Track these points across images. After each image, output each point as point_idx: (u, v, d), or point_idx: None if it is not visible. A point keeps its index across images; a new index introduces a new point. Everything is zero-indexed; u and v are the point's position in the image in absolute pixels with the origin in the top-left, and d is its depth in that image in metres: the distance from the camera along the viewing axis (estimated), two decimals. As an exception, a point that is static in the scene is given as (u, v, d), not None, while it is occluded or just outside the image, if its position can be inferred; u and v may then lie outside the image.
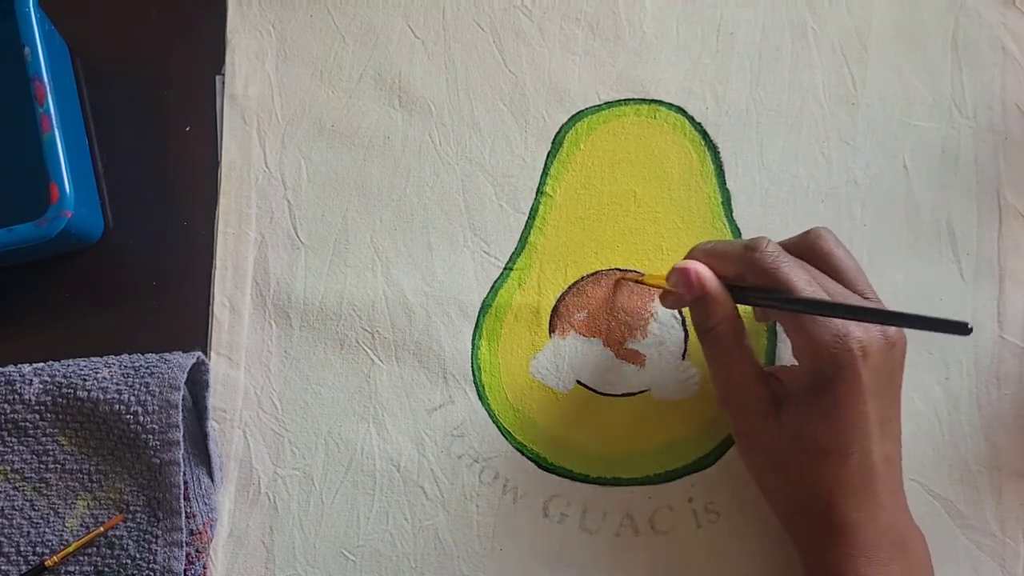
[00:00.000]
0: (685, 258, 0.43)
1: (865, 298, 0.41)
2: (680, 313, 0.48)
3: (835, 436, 0.39)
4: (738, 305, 0.41)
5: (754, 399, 0.41)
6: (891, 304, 0.48)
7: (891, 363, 0.39)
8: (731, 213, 0.49)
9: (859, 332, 0.38)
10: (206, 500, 0.47)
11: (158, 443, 0.45)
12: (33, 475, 0.46)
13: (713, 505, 0.47)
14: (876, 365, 0.38)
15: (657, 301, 0.48)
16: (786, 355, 0.47)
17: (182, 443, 0.45)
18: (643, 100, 0.50)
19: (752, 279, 0.41)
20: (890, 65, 0.50)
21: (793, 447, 0.40)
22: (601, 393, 0.48)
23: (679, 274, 0.41)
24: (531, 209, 0.49)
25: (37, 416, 0.46)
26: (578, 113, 0.50)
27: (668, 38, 0.50)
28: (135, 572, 0.45)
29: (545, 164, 0.50)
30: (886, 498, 0.39)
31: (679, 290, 0.41)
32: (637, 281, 0.48)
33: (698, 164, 0.49)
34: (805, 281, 0.39)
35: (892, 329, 0.39)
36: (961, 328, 0.33)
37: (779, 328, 0.48)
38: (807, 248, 0.41)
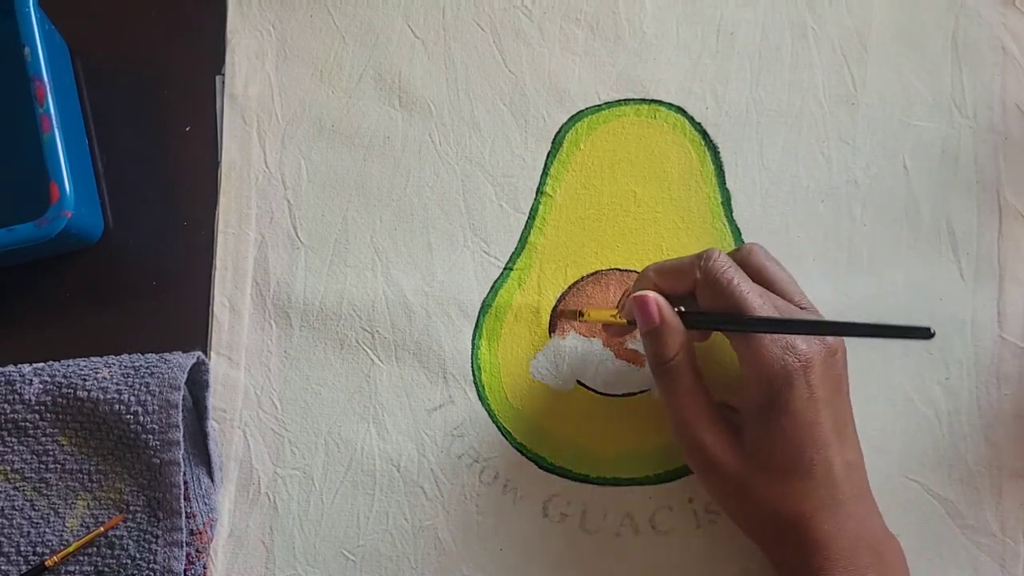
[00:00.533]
0: (636, 283, 0.44)
1: (802, 308, 0.41)
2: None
3: (794, 451, 0.39)
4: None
5: (713, 430, 0.41)
6: (892, 304, 0.48)
7: (835, 370, 0.40)
8: (731, 213, 0.49)
9: (801, 344, 0.39)
10: (206, 500, 0.47)
11: (158, 443, 0.45)
12: (33, 475, 0.46)
13: (713, 505, 0.47)
14: (822, 374, 0.39)
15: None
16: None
17: (182, 443, 0.45)
18: (643, 100, 0.50)
19: (704, 291, 0.41)
20: (890, 65, 0.50)
21: (755, 469, 0.40)
22: (601, 393, 0.48)
23: (638, 303, 0.41)
24: (531, 209, 0.49)
25: (37, 416, 0.46)
26: (578, 113, 0.50)
27: (668, 38, 0.50)
28: (135, 572, 0.45)
29: (545, 164, 0.50)
30: (854, 506, 0.39)
31: (636, 319, 0.41)
32: (579, 319, 0.47)
33: (698, 164, 0.49)
34: (757, 294, 0.40)
35: (830, 337, 0.39)
36: (924, 333, 0.33)
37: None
38: (741, 263, 0.42)
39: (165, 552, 0.45)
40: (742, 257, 0.42)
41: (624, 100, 0.50)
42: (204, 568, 0.47)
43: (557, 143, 0.50)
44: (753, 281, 0.41)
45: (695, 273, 0.41)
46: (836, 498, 0.39)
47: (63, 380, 0.45)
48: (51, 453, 0.46)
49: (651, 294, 0.41)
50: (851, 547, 0.38)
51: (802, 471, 0.39)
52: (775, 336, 0.39)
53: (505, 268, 0.49)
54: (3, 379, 0.46)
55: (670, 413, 0.42)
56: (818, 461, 0.39)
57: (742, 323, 0.39)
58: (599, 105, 0.50)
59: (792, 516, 0.39)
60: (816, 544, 0.38)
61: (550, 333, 0.48)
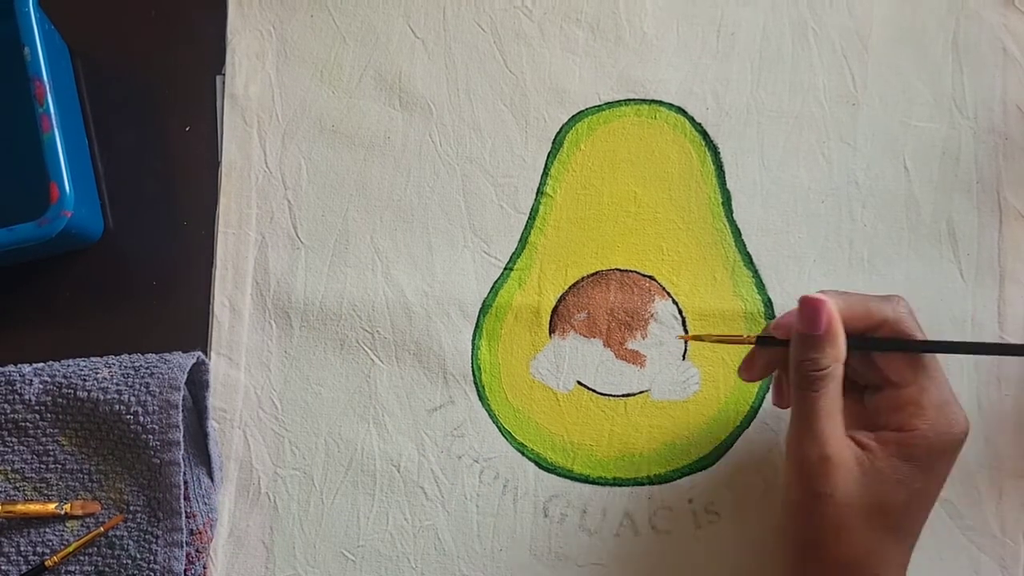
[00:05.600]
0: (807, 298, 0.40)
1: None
2: (681, 313, 0.48)
3: (910, 516, 0.38)
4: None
5: (843, 456, 0.38)
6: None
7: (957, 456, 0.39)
8: (731, 213, 0.49)
9: (964, 425, 0.38)
10: (206, 500, 0.47)
11: (158, 443, 0.45)
12: (33, 475, 0.46)
13: (713, 505, 0.47)
14: (957, 455, 0.39)
15: (657, 301, 0.48)
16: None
17: (182, 443, 0.45)
18: (643, 100, 0.50)
19: (885, 333, 0.39)
20: (891, 66, 0.50)
21: (864, 516, 0.38)
22: (601, 393, 0.48)
23: (813, 304, 0.38)
24: (531, 209, 0.49)
25: (37, 416, 0.46)
26: (578, 113, 0.50)
27: (669, 39, 0.50)
28: (135, 572, 0.45)
29: (545, 164, 0.50)
30: None
31: (801, 319, 0.38)
32: (699, 338, 0.43)
33: (698, 164, 0.49)
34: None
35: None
36: None
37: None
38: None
39: (165, 552, 0.45)
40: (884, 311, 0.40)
41: (624, 100, 0.50)
42: (204, 568, 0.47)
43: (557, 143, 0.50)
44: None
45: (882, 313, 0.39)
46: (905, 567, 0.39)
47: (63, 380, 0.45)
48: (51, 453, 0.46)
49: (825, 299, 0.38)
50: None
51: (902, 534, 0.38)
52: (952, 398, 0.38)
53: (505, 268, 0.49)
54: (3, 379, 0.46)
55: (800, 425, 0.39)
56: (914, 532, 0.39)
57: (917, 345, 0.38)
58: (599, 105, 0.50)
59: (870, 570, 0.38)
60: None
61: (550, 333, 0.48)
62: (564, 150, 0.50)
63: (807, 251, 0.48)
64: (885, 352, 0.39)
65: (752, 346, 0.42)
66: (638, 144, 0.50)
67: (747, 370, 0.42)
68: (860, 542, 0.38)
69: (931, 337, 0.39)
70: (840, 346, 0.38)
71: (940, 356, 0.39)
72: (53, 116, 0.45)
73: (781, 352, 0.40)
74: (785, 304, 0.48)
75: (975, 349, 0.39)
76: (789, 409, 0.41)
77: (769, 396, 0.47)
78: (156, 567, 0.45)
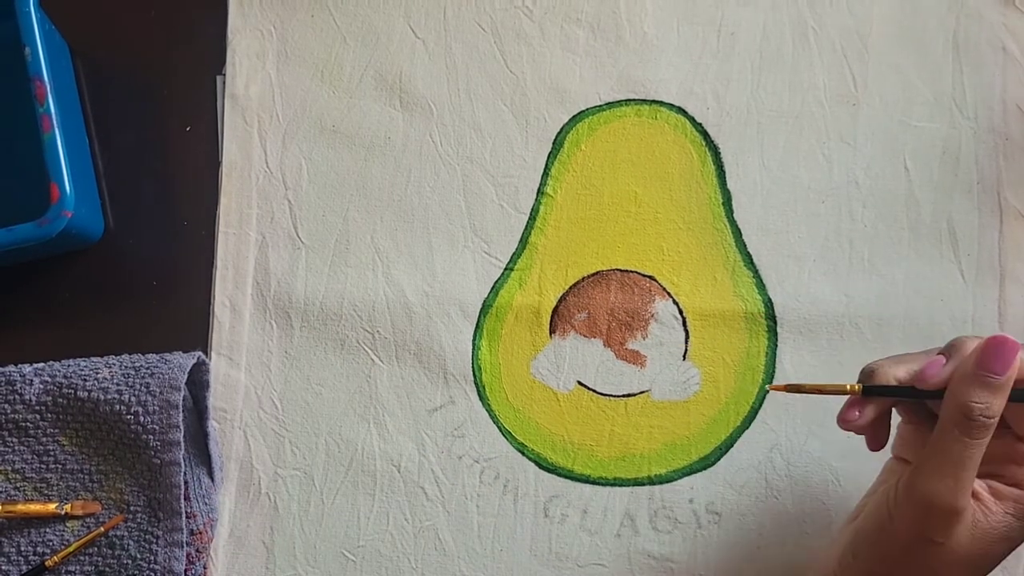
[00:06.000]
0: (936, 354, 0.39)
1: None
2: (681, 314, 0.48)
3: (999, 563, 0.37)
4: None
5: (967, 507, 0.36)
6: (892, 305, 0.48)
7: None
8: (732, 213, 0.49)
9: None
10: (206, 500, 0.47)
11: (158, 443, 0.45)
12: (34, 475, 0.46)
13: (713, 505, 0.47)
14: None
15: (657, 301, 0.48)
16: (784, 358, 0.47)
17: (182, 443, 0.45)
18: (644, 101, 0.50)
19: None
20: (891, 65, 0.50)
21: (964, 568, 0.37)
22: (601, 394, 0.48)
23: (1004, 345, 0.35)
24: (532, 209, 0.49)
25: (38, 416, 0.46)
26: (579, 113, 0.50)
27: (669, 39, 0.50)
28: (135, 572, 0.45)
29: (546, 164, 0.50)
30: None
31: (985, 359, 0.35)
32: (798, 389, 0.40)
33: (699, 165, 0.49)
34: None
35: None
36: None
37: (779, 348, 0.48)
38: None
39: (165, 552, 0.45)
40: None
41: (625, 100, 0.50)
42: (204, 568, 0.47)
43: (558, 143, 0.50)
44: None
45: None
46: None
47: (63, 380, 0.45)
48: (52, 453, 0.46)
49: (1019, 344, 0.35)
50: None
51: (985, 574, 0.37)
52: None
53: (506, 268, 0.49)
54: (3, 379, 0.46)
55: (942, 469, 0.36)
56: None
57: None
58: (600, 105, 0.50)
59: None
60: None
61: (551, 333, 0.48)
62: (564, 150, 0.50)
63: (807, 251, 0.48)
64: None
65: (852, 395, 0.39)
66: (638, 144, 0.50)
67: (849, 421, 0.39)
68: None
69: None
70: (1008, 395, 0.35)
71: None
72: (53, 116, 0.45)
73: (890, 403, 0.39)
74: (785, 304, 0.48)
75: None
76: (868, 448, 0.40)
77: (769, 396, 0.47)
78: (156, 567, 0.45)
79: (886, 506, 0.38)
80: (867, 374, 0.38)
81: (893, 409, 0.40)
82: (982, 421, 0.35)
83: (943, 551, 0.36)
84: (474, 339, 0.48)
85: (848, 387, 0.38)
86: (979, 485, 0.37)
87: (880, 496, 0.39)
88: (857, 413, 0.38)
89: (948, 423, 0.36)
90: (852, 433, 0.39)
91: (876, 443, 0.40)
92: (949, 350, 0.38)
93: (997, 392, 0.35)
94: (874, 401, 0.38)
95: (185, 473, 0.46)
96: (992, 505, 0.36)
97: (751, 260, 0.48)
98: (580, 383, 0.48)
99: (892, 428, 0.40)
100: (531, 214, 0.49)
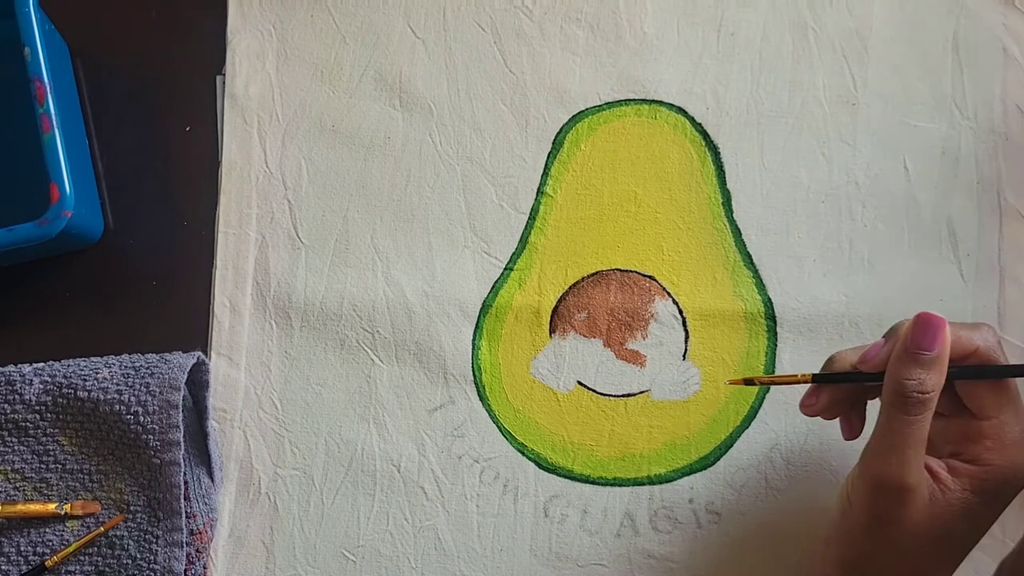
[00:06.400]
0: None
1: None
2: (681, 314, 0.48)
3: (968, 545, 0.38)
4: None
5: (920, 484, 0.37)
6: (892, 305, 0.48)
7: None
8: (731, 213, 0.49)
9: None
10: (206, 500, 0.47)
11: (158, 443, 0.45)
12: (34, 475, 0.46)
13: (713, 505, 0.47)
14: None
15: (657, 301, 0.48)
16: (784, 358, 0.47)
17: (182, 443, 0.45)
18: (644, 100, 0.50)
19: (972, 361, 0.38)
20: (891, 66, 0.50)
21: (929, 544, 0.37)
22: (601, 394, 0.48)
23: (932, 323, 0.37)
24: (531, 209, 0.49)
25: (37, 416, 0.46)
26: (579, 113, 0.50)
27: (669, 38, 0.50)
28: (135, 572, 0.45)
29: (545, 164, 0.50)
30: None
31: (915, 338, 0.37)
32: (750, 382, 0.42)
33: (699, 164, 0.49)
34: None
35: None
36: None
37: (779, 348, 0.48)
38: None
39: (165, 552, 0.45)
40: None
41: (625, 100, 0.50)
42: (204, 568, 0.47)
43: (558, 143, 0.50)
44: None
45: (972, 343, 0.38)
46: None
47: (63, 380, 0.45)
48: (51, 453, 0.46)
49: (945, 321, 0.37)
50: None
51: (956, 563, 0.38)
52: None
53: (505, 268, 0.49)
54: (3, 379, 0.46)
55: (886, 448, 0.37)
56: (965, 556, 0.38)
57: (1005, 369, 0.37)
58: (600, 105, 0.50)
59: None
60: None
61: (551, 333, 0.48)
62: (564, 150, 0.50)
63: (807, 251, 0.48)
64: (972, 380, 0.38)
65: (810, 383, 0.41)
66: (638, 144, 0.50)
67: (808, 406, 0.41)
68: (915, 570, 0.38)
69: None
70: (944, 371, 0.36)
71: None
72: (53, 116, 0.45)
73: (849, 389, 0.40)
74: (785, 304, 0.48)
75: None
76: (843, 438, 0.42)
77: (769, 396, 0.47)
78: (156, 567, 0.45)
79: (845, 492, 0.39)
80: (827, 362, 0.40)
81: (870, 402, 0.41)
82: (917, 397, 0.36)
83: (902, 530, 0.37)
84: (474, 339, 0.48)
85: (799, 376, 0.40)
86: (937, 464, 0.38)
87: (842, 484, 0.40)
88: (814, 399, 0.40)
89: (887, 403, 0.37)
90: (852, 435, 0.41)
91: (850, 432, 0.42)
92: (889, 334, 0.39)
93: (929, 367, 0.36)
94: (828, 388, 0.40)
95: (185, 473, 0.46)
96: (949, 483, 0.37)
97: (751, 260, 0.48)
98: (580, 383, 0.48)
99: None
100: (531, 214, 0.49)
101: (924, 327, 0.36)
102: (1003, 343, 0.39)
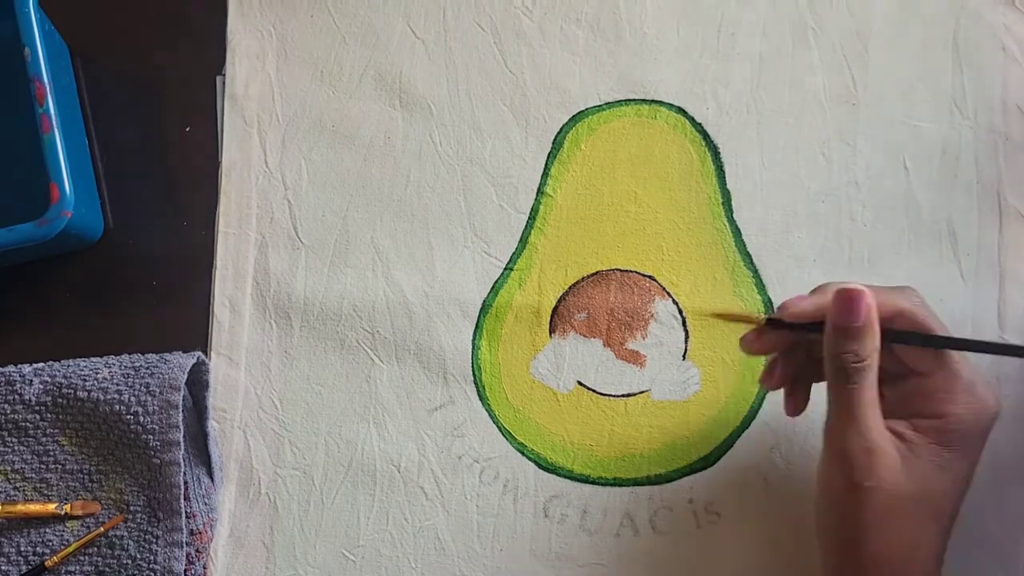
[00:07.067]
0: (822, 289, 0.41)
1: None
2: (680, 313, 0.48)
3: (953, 499, 0.38)
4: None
5: (886, 446, 0.38)
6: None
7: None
8: (731, 213, 0.49)
9: (995, 403, 0.38)
10: (206, 500, 0.47)
11: (158, 443, 0.45)
12: (33, 475, 0.46)
13: (713, 505, 0.47)
14: (987, 436, 0.39)
15: (657, 301, 0.48)
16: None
17: (182, 443, 0.45)
18: (644, 100, 0.50)
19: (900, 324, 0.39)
20: (891, 65, 0.50)
21: (912, 504, 0.38)
22: (601, 394, 0.48)
23: (850, 296, 0.38)
24: (531, 209, 0.49)
25: (37, 416, 0.46)
26: (579, 113, 0.50)
27: (669, 38, 0.50)
28: (135, 572, 0.45)
29: (545, 164, 0.50)
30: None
31: (837, 313, 0.38)
32: (730, 318, 0.43)
33: (698, 164, 0.49)
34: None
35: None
36: None
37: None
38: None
39: (165, 552, 0.45)
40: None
41: (625, 100, 0.50)
42: (204, 568, 0.47)
43: (558, 143, 0.50)
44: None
45: (897, 305, 0.39)
46: (944, 550, 0.39)
47: (63, 380, 0.45)
48: (51, 453, 0.46)
49: (866, 290, 0.38)
50: None
51: (946, 518, 0.38)
52: (982, 380, 0.38)
53: (505, 268, 0.49)
54: (3, 379, 0.46)
55: (841, 418, 0.38)
56: (955, 516, 0.39)
57: (946, 341, 0.38)
58: (600, 105, 0.50)
59: (925, 554, 0.38)
60: None
61: (550, 333, 0.48)
62: (564, 150, 0.50)
63: (807, 251, 0.48)
64: (913, 344, 0.39)
65: (758, 325, 0.42)
66: (638, 144, 0.50)
67: (748, 341, 0.42)
68: (906, 533, 0.38)
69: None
70: (877, 336, 0.38)
71: None
72: (53, 116, 0.45)
73: (787, 337, 0.41)
74: (785, 304, 0.48)
75: (1000, 349, 0.39)
76: (785, 413, 0.42)
77: (769, 397, 0.47)
78: (156, 567, 0.45)
79: (821, 468, 0.40)
80: (780, 307, 0.41)
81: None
82: (855, 367, 0.37)
83: (883, 495, 0.38)
84: (474, 339, 0.48)
85: (755, 316, 0.41)
86: (902, 426, 0.39)
87: (816, 474, 0.41)
88: (754, 337, 0.42)
89: (831, 380, 0.39)
90: None
91: (793, 409, 0.43)
92: (816, 290, 0.41)
93: (859, 337, 0.37)
94: (772, 339, 0.41)
95: (185, 473, 0.46)
96: (916, 439, 0.38)
97: (751, 260, 0.48)
98: (580, 383, 0.48)
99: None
100: (531, 214, 0.49)
101: (845, 301, 0.38)
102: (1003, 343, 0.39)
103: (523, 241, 0.49)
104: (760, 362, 0.48)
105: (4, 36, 0.47)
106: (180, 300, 0.50)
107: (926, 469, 0.38)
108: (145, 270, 0.50)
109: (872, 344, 0.38)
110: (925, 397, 0.39)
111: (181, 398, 0.45)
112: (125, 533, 0.45)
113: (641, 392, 0.48)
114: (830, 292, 0.39)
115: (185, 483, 0.46)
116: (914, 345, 0.39)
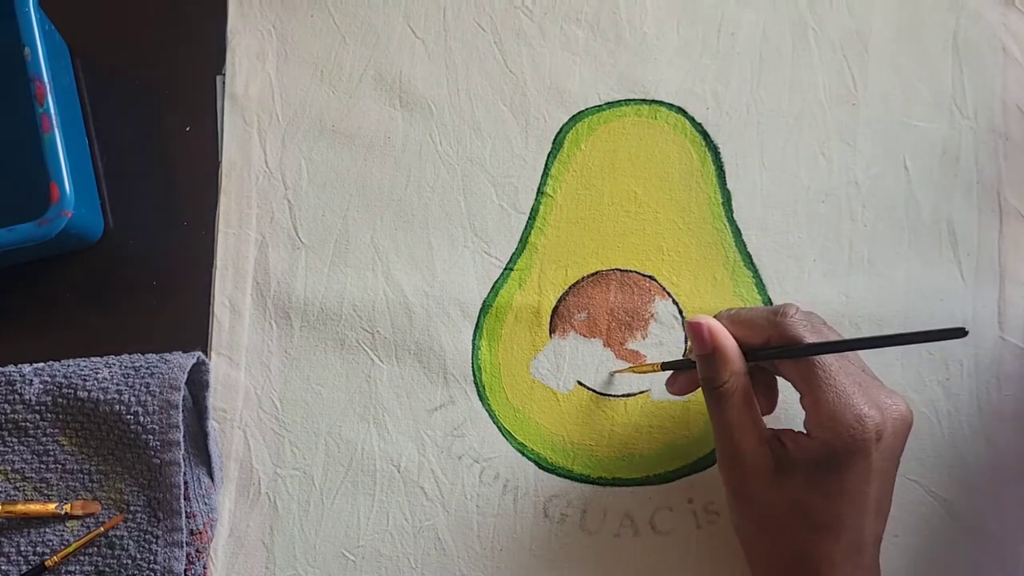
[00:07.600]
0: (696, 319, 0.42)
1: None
2: (681, 314, 0.48)
3: (835, 514, 0.38)
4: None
5: (756, 461, 0.40)
6: (892, 304, 0.48)
7: (899, 444, 0.39)
8: (731, 213, 0.49)
9: (876, 415, 0.38)
10: (206, 500, 0.47)
11: (158, 443, 0.45)
12: (34, 475, 0.46)
13: (713, 505, 0.47)
14: (887, 447, 0.38)
15: (657, 301, 0.48)
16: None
17: (182, 443, 0.45)
18: (644, 100, 0.50)
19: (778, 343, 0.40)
20: (891, 65, 0.50)
21: (788, 516, 0.39)
22: (601, 394, 0.48)
23: (692, 328, 0.40)
24: (531, 209, 0.49)
25: (37, 416, 0.46)
26: (579, 113, 0.50)
27: (669, 38, 0.50)
28: (135, 572, 0.45)
29: (545, 164, 0.50)
30: (864, 572, 0.39)
31: (692, 343, 0.41)
32: (630, 371, 0.48)
33: (698, 164, 0.49)
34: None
35: (905, 407, 0.39)
36: (959, 333, 0.33)
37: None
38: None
39: (165, 552, 0.45)
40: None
41: (625, 100, 0.50)
42: (204, 568, 0.47)
43: (558, 143, 0.50)
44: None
45: (769, 329, 0.40)
46: (855, 563, 0.39)
47: (63, 380, 0.45)
48: (51, 453, 0.46)
49: (704, 320, 0.40)
50: None
51: (834, 534, 0.38)
52: (849, 399, 0.38)
53: (505, 268, 0.49)
54: (3, 379, 0.46)
55: (718, 438, 0.41)
56: (851, 527, 0.38)
57: (797, 350, 0.38)
58: (600, 105, 0.50)
59: (810, 571, 0.39)
60: None
61: (550, 333, 0.48)
62: (564, 150, 0.50)
63: (807, 251, 0.48)
64: (772, 360, 0.40)
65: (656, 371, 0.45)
66: (638, 144, 0.50)
67: (671, 387, 0.45)
68: (789, 541, 0.39)
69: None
70: (734, 360, 0.40)
71: (872, 353, 0.41)
72: (53, 116, 0.45)
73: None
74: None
75: (853, 345, 0.38)
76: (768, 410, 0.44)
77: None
78: (156, 567, 0.45)
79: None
80: (716, 316, 0.42)
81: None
82: (717, 392, 0.40)
83: (757, 503, 0.40)
84: (474, 339, 0.48)
85: (654, 365, 0.45)
86: (790, 437, 0.39)
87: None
88: (672, 382, 0.45)
89: (705, 399, 0.41)
90: None
91: (765, 407, 0.44)
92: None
93: (713, 364, 0.40)
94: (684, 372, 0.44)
95: (185, 473, 0.46)
96: (793, 452, 0.39)
97: (751, 260, 0.48)
98: (580, 383, 0.48)
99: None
100: (531, 214, 0.49)
101: (692, 331, 0.41)
102: (980, 338, 0.39)
103: (523, 241, 0.49)
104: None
105: (4, 36, 0.47)
106: (180, 300, 0.50)
107: (798, 481, 0.39)
108: (145, 270, 0.50)
109: (727, 368, 0.40)
110: (806, 414, 0.39)
111: (181, 398, 0.45)
112: (125, 533, 0.45)
113: (641, 392, 0.48)
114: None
115: (185, 483, 0.46)
116: (776, 359, 0.40)
